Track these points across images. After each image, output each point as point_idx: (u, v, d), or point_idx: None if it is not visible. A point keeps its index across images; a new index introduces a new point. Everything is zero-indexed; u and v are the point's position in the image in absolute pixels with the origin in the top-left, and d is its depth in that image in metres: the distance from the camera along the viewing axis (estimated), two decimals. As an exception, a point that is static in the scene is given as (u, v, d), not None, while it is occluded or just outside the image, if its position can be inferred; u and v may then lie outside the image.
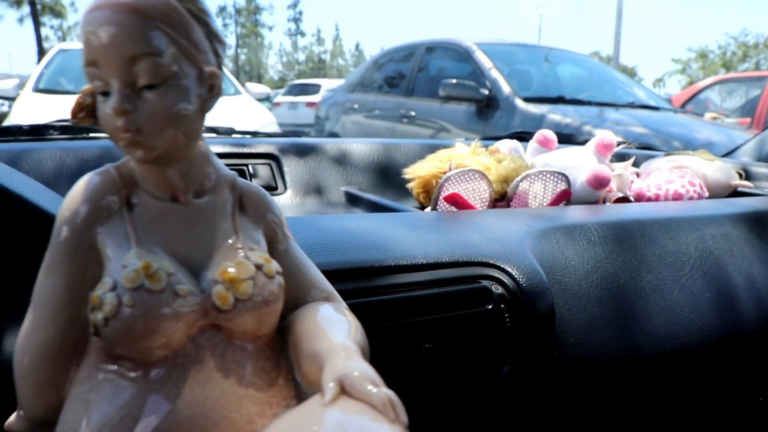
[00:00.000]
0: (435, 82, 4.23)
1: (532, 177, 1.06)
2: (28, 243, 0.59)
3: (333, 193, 1.28)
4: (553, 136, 1.28)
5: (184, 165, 0.42)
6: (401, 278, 0.70)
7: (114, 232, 0.40)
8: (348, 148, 1.36)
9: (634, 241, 0.88)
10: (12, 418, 0.46)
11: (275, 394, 0.42)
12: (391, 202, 1.14)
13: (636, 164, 1.38)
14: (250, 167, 1.24)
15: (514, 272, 0.73)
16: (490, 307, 0.70)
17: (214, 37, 0.42)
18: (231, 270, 0.41)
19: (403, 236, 0.77)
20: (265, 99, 5.17)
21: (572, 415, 0.80)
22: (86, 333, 0.41)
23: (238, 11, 37.96)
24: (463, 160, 1.10)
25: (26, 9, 24.66)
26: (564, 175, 1.08)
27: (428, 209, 1.07)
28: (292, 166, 1.28)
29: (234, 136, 1.52)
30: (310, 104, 11.04)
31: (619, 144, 1.26)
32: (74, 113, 0.43)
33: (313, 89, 12.22)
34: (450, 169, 1.07)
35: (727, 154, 1.82)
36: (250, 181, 1.21)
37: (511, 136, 1.55)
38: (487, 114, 3.76)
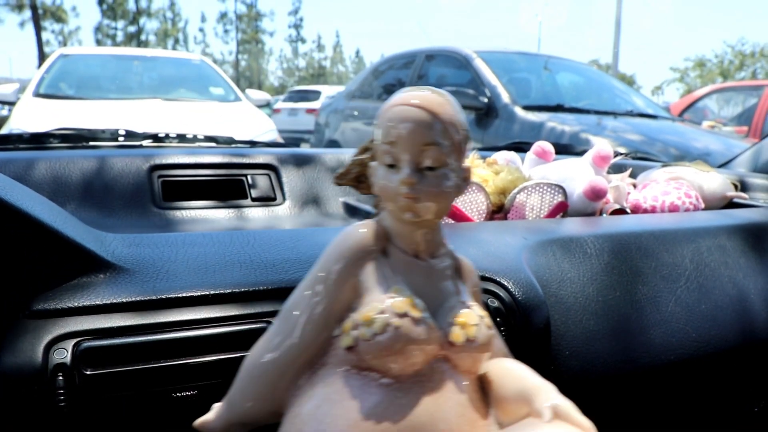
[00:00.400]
0: (434, 89, 4.23)
1: (530, 189, 1.07)
2: (27, 256, 0.59)
3: (331, 204, 1.29)
4: (551, 148, 1.29)
5: (429, 232, 0.52)
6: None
7: (375, 272, 0.51)
8: (346, 159, 1.37)
9: (630, 254, 0.89)
10: (208, 417, 0.56)
11: (480, 419, 0.51)
12: None
13: (633, 175, 1.38)
14: (249, 177, 1.24)
15: (510, 286, 0.74)
16: (486, 320, 0.71)
17: (467, 140, 0.52)
18: (463, 317, 0.51)
19: (400, 249, 0.78)
20: (265, 105, 5.16)
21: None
22: (323, 350, 0.51)
23: (239, 17, 38.00)
24: (461, 172, 1.10)
25: (27, 13, 24.71)
26: (561, 187, 1.08)
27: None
28: (290, 177, 1.29)
29: (233, 145, 1.52)
30: (309, 111, 11.06)
31: (616, 155, 1.26)
32: (340, 176, 0.58)
33: (313, 96, 12.24)
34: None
35: (723, 165, 1.82)
36: (249, 191, 1.22)
37: (509, 147, 1.55)
38: (487, 122, 3.77)
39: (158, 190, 1.16)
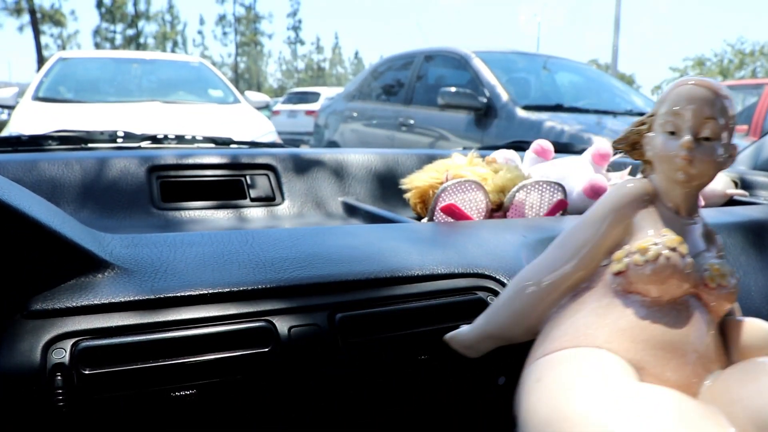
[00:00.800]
0: (434, 90, 4.24)
1: (529, 187, 1.07)
2: (25, 256, 0.59)
3: (331, 204, 1.29)
4: (550, 146, 1.29)
5: (691, 194, 0.60)
6: (398, 290, 0.71)
7: (645, 217, 0.59)
8: (346, 159, 1.37)
9: (629, 251, 0.89)
10: (463, 330, 0.67)
11: (721, 356, 0.58)
12: (389, 213, 1.14)
13: (632, 173, 1.38)
14: (248, 178, 1.24)
15: (509, 283, 0.74)
16: (485, 318, 0.71)
17: (734, 125, 0.60)
18: (717, 265, 0.58)
19: (400, 248, 0.78)
20: (265, 107, 5.17)
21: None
22: (589, 275, 0.60)
23: (237, 20, 38.03)
24: (460, 171, 1.10)
25: (26, 17, 24.72)
26: (560, 185, 1.08)
27: (425, 220, 1.07)
28: (290, 177, 1.29)
29: (232, 146, 1.52)
30: (309, 112, 11.07)
31: (615, 153, 1.26)
32: (618, 141, 0.65)
33: (312, 97, 12.24)
34: (447, 180, 1.08)
35: (724, 163, 1.82)
36: (248, 191, 1.22)
37: (508, 146, 1.55)
38: (486, 122, 3.77)
39: (157, 191, 1.16)
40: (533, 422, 0.53)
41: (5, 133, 3.43)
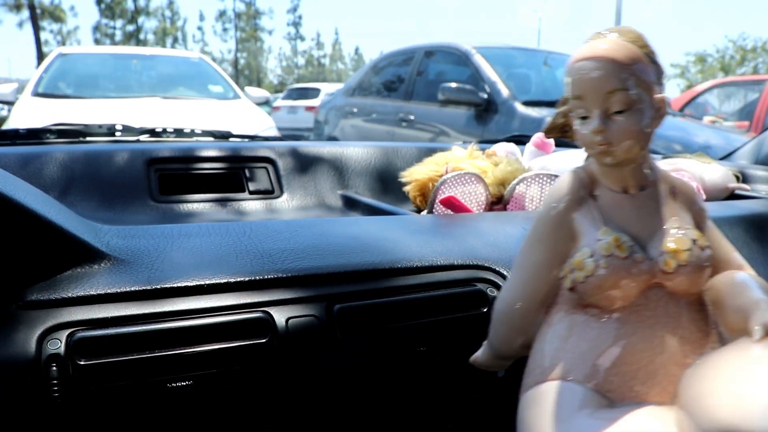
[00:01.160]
0: (434, 85, 4.23)
1: (529, 180, 1.06)
2: (21, 246, 0.59)
3: (330, 197, 1.28)
4: (550, 140, 1.28)
5: (634, 166, 0.56)
6: (397, 281, 0.70)
7: (586, 216, 0.56)
8: (345, 152, 1.36)
9: (630, 244, 0.88)
10: (478, 354, 0.65)
11: (702, 339, 0.54)
12: (388, 206, 1.14)
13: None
14: (246, 171, 1.24)
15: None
16: (485, 310, 0.70)
17: (659, 71, 0.56)
18: (672, 243, 0.54)
19: (399, 240, 0.77)
20: (265, 103, 5.15)
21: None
22: (555, 290, 0.58)
23: (237, 15, 37.97)
24: (460, 164, 1.10)
25: (26, 13, 24.70)
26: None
27: (425, 212, 1.07)
28: (289, 170, 1.28)
29: (231, 139, 1.52)
30: (309, 108, 11.03)
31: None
32: (548, 130, 0.63)
33: (313, 93, 12.21)
34: (447, 173, 1.07)
35: (725, 157, 1.81)
36: (246, 184, 1.21)
37: (509, 140, 1.54)
38: (486, 117, 3.76)
39: (155, 184, 1.15)
40: None
41: (4, 129, 3.42)
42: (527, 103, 3.65)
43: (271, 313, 0.63)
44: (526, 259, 0.59)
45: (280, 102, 12.86)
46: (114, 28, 32.97)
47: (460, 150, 1.16)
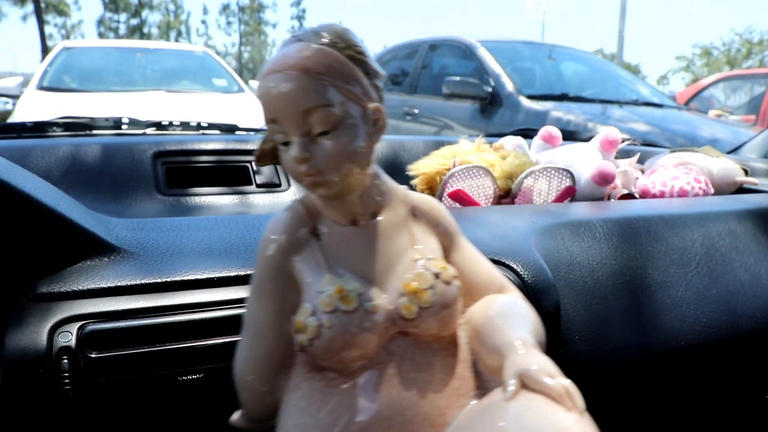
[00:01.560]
0: (438, 79, 4.22)
1: (537, 173, 1.06)
2: (32, 239, 0.59)
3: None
4: (558, 133, 1.27)
5: (360, 192, 0.47)
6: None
7: (307, 261, 0.46)
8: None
9: (639, 238, 0.88)
10: (235, 415, 0.54)
11: (461, 386, 0.47)
12: None
13: (641, 161, 1.37)
14: (252, 164, 1.23)
15: (519, 269, 0.73)
16: (495, 303, 0.70)
17: (373, 74, 0.47)
18: (413, 283, 0.46)
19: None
20: (269, 97, 5.14)
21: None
22: (292, 348, 0.48)
23: (241, 9, 37.92)
24: (467, 157, 1.09)
25: (30, 7, 24.67)
26: (569, 171, 1.07)
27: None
28: (295, 163, 1.28)
29: (237, 132, 1.51)
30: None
31: (623, 141, 1.25)
32: (258, 159, 0.51)
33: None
34: (454, 166, 1.07)
35: (733, 151, 1.81)
36: (253, 177, 1.21)
37: (516, 133, 1.54)
38: (491, 111, 3.75)
39: (162, 177, 1.15)
40: None
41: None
42: (531, 97, 3.64)
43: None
44: (251, 315, 0.49)
45: (283, 96, 12.84)
46: (118, 21, 32.95)
47: (468, 143, 1.16)
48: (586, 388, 0.78)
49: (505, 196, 1.06)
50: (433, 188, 1.13)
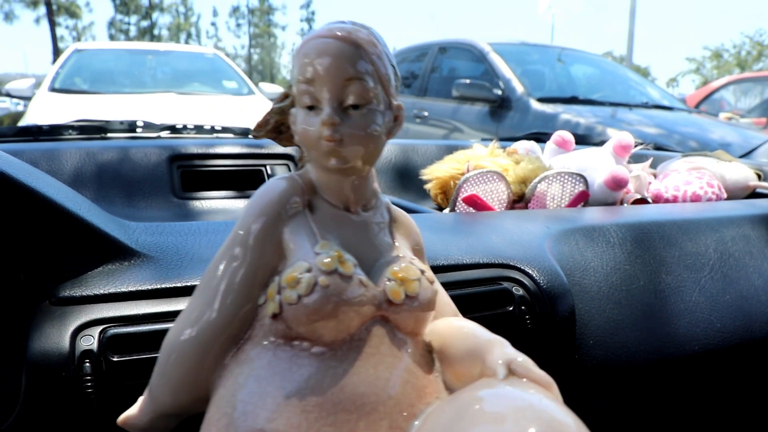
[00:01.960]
0: (448, 82, 4.23)
1: (550, 178, 1.06)
2: (53, 243, 0.60)
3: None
4: (571, 138, 1.28)
5: (357, 180, 0.48)
6: (422, 279, 0.70)
7: (299, 228, 0.46)
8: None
9: (653, 243, 0.88)
10: (130, 412, 0.51)
11: (429, 386, 0.46)
12: (409, 203, 1.14)
13: (653, 165, 1.37)
14: (268, 168, 1.24)
15: (534, 274, 0.73)
16: (511, 308, 0.70)
17: (397, 80, 0.49)
18: (401, 272, 0.47)
19: (424, 238, 0.77)
20: (278, 99, 5.15)
21: (592, 416, 0.80)
22: (247, 322, 0.45)
23: (251, 11, 38.05)
24: (481, 162, 1.10)
25: (42, 9, 24.83)
26: (582, 176, 1.08)
27: (446, 210, 1.07)
28: (309, 167, 1.28)
29: (250, 136, 1.52)
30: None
31: (636, 145, 1.25)
32: (257, 128, 0.52)
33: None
34: (468, 171, 1.07)
35: (745, 155, 1.80)
36: (267, 180, 1.22)
37: (528, 137, 1.54)
38: (501, 114, 3.75)
39: (177, 181, 1.16)
40: None
41: (22, 124, 3.45)
42: (541, 100, 3.64)
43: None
44: (215, 280, 0.46)
45: (293, 98, 12.86)
46: (129, 23, 33.12)
47: (481, 148, 1.16)
48: (600, 392, 0.78)
49: (519, 200, 1.07)
50: (447, 193, 1.13)
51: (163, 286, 0.61)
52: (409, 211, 1.09)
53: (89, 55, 4.55)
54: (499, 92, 3.77)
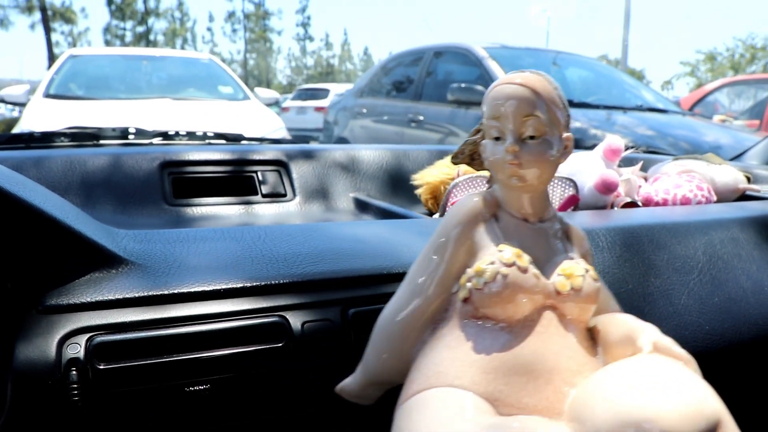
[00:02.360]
0: (443, 86, 4.23)
1: (540, 182, 1.06)
2: (40, 251, 0.60)
3: (342, 200, 1.29)
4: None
5: (535, 196, 0.58)
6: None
7: (487, 233, 0.57)
8: (356, 155, 1.37)
9: (642, 246, 0.88)
10: (347, 381, 0.62)
11: (589, 363, 0.55)
12: (400, 209, 1.14)
13: (644, 169, 1.38)
14: (259, 174, 1.24)
15: (522, 278, 0.74)
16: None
17: (567, 116, 0.59)
18: (568, 268, 0.56)
19: (412, 243, 0.78)
20: (274, 104, 5.16)
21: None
22: (444, 306, 0.57)
23: (246, 16, 38.07)
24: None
25: (37, 15, 24.83)
26: (572, 180, 1.08)
27: (437, 215, 1.07)
28: (300, 173, 1.29)
29: (243, 142, 1.53)
30: (318, 109, 11.05)
31: (627, 149, 1.26)
32: (456, 156, 0.66)
33: (322, 94, 12.23)
34: (458, 176, 1.07)
35: (735, 158, 1.81)
36: (259, 187, 1.22)
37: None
38: (495, 118, 3.76)
39: (169, 188, 1.16)
40: None
41: (17, 130, 3.45)
42: (536, 104, 3.64)
43: (287, 317, 0.63)
44: (421, 272, 0.58)
45: (289, 103, 12.89)
46: (124, 29, 33.13)
47: (471, 152, 1.16)
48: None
49: (509, 205, 1.07)
50: (437, 198, 1.14)
51: (150, 293, 0.61)
52: (399, 216, 1.09)
53: (84, 61, 4.55)
54: (494, 96, 3.77)
